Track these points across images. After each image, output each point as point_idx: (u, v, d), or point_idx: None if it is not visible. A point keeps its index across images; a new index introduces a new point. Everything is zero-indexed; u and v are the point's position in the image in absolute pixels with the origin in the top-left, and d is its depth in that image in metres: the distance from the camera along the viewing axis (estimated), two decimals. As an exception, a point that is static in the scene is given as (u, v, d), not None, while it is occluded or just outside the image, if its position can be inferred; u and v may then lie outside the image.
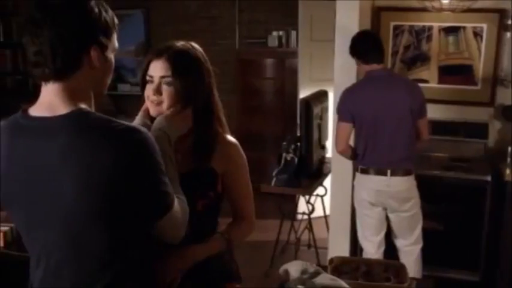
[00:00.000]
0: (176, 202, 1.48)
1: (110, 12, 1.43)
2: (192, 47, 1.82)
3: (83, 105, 1.37)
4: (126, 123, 1.36)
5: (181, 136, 1.79)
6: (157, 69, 1.74)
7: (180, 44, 1.80)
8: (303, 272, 2.12)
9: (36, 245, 1.43)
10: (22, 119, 1.39)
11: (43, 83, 1.38)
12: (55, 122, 1.33)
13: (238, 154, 1.87)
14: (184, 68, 1.74)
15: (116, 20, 1.45)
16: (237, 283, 1.92)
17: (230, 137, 1.87)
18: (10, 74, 6.39)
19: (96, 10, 1.37)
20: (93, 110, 1.41)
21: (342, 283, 2.05)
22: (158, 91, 1.74)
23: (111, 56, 1.45)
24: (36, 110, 1.38)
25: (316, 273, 2.11)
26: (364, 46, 3.26)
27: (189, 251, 1.74)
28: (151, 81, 1.76)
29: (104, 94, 1.50)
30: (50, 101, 1.36)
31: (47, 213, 1.35)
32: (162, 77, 1.73)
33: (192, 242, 1.74)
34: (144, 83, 1.79)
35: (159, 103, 1.75)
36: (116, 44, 1.46)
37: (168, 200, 1.43)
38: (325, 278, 2.08)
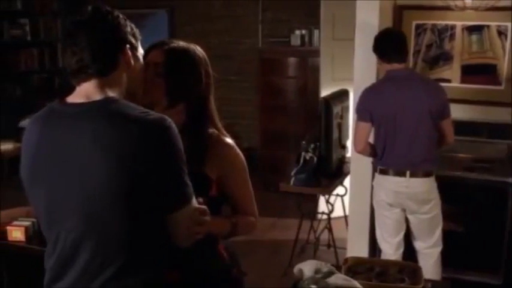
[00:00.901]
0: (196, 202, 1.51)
1: (133, 24, 1.59)
2: (195, 47, 1.83)
3: (114, 95, 1.50)
4: (154, 112, 1.47)
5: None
6: (153, 55, 1.75)
7: (184, 43, 1.82)
8: (317, 271, 2.12)
9: (55, 229, 1.48)
10: (58, 105, 1.50)
11: (82, 83, 1.51)
12: (89, 106, 1.45)
13: (234, 155, 1.84)
14: (176, 63, 1.75)
15: (138, 32, 1.61)
16: (236, 287, 1.91)
17: (225, 138, 1.84)
18: (37, 72, 6.51)
19: (122, 17, 1.55)
20: None
21: (355, 283, 2.04)
22: (150, 79, 1.71)
23: (140, 58, 1.61)
24: (73, 99, 1.50)
25: (329, 273, 2.10)
26: (386, 45, 3.23)
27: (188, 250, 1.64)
28: (147, 68, 1.72)
29: (140, 91, 1.63)
30: (86, 92, 1.48)
31: (71, 192, 1.42)
32: (156, 63, 1.73)
33: (185, 249, 1.62)
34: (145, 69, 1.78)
35: (148, 91, 1.70)
36: (141, 50, 1.62)
37: (188, 191, 1.49)
38: (338, 278, 2.08)
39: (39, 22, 6.45)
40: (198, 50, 1.83)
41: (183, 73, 1.75)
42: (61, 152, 1.43)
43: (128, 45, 1.52)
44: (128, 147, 1.38)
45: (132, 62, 1.53)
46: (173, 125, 1.45)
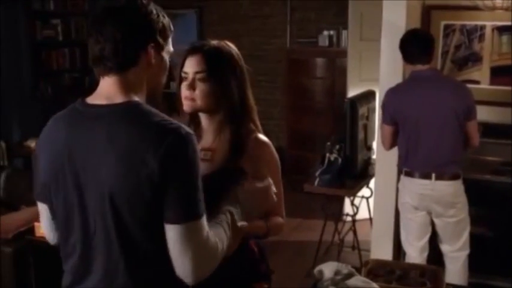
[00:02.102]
0: (210, 232, 1.45)
1: (167, 18, 1.55)
2: (227, 45, 1.84)
3: (136, 98, 1.47)
4: (175, 121, 1.42)
5: (214, 133, 1.82)
6: (191, 65, 1.78)
7: (215, 42, 1.83)
8: (337, 273, 2.11)
9: (74, 230, 1.48)
10: (80, 106, 1.51)
11: (102, 77, 1.50)
12: (109, 109, 1.44)
13: (270, 154, 1.86)
14: (218, 64, 1.77)
15: (171, 26, 1.57)
16: (265, 283, 1.92)
17: (262, 137, 1.87)
18: (68, 72, 6.62)
19: (155, 12, 1.49)
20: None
21: (374, 286, 2.02)
22: (192, 86, 1.77)
23: (167, 57, 1.56)
24: (94, 99, 1.50)
25: (349, 275, 2.10)
26: (409, 46, 3.19)
27: None
28: (186, 78, 1.79)
29: (160, 92, 1.60)
30: (107, 92, 1.48)
31: (88, 193, 1.43)
32: (196, 72, 1.77)
33: None
34: (180, 81, 1.82)
35: (193, 99, 1.78)
36: (171, 47, 1.58)
37: (197, 207, 1.42)
38: (358, 280, 2.07)
39: (71, 22, 6.56)
40: (231, 45, 1.85)
41: (225, 74, 1.77)
42: (79, 153, 1.44)
43: (152, 44, 1.48)
44: (141, 153, 1.36)
45: (154, 61, 1.49)
46: (192, 137, 1.42)
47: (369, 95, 4.18)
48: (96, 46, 1.45)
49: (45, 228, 1.69)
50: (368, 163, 4.11)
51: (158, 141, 1.37)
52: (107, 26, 1.43)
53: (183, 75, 1.80)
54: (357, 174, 3.87)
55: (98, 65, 1.47)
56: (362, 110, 3.86)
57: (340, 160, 3.77)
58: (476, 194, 3.34)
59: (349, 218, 4.22)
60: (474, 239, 3.33)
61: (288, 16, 6.39)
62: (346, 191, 3.89)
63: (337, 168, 3.75)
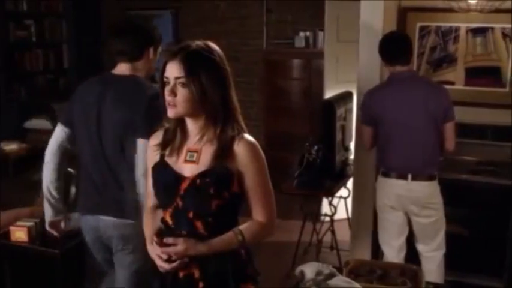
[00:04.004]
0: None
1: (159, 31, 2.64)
2: (207, 46, 1.82)
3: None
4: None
5: (199, 135, 1.82)
6: (171, 70, 1.76)
7: (195, 44, 1.80)
8: (318, 273, 2.12)
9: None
10: (108, 74, 2.58)
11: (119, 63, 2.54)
12: (124, 78, 2.50)
13: (256, 154, 1.85)
14: (197, 68, 1.75)
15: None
16: (252, 285, 1.92)
17: (248, 137, 1.86)
18: (42, 73, 6.52)
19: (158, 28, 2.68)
20: None
21: (356, 286, 2.04)
22: (173, 92, 1.76)
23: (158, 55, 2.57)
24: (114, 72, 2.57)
25: (330, 275, 2.11)
26: (389, 47, 3.22)
27: (201, 241, 1.79)
28: (168, 83, 1.77)
29: (152, 75, 2.62)
30: (122, 71, 2.52)
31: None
32: (177, 78, 1.75)
33: (206, 237, 1.80)
34: (162, 85, 1.81)
35: (175, 105, 1.77)
36: (161, 49, 2.61)
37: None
38: (339, 280, 2.08)
39: (45, 23, 6.47)
40: (212, 47, 1.83)
41: (205, 77, 1.75)
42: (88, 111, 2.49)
43: (153, 46, 2.54)
44: (128, 106, 2.41)
45: (153, 56, 2.55)
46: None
47: (346, 96, 4.21)
48: (117, 45, 2.51)
49: None
50: (345, 163, 4.13)
51: (136, 101, 2.40)
52: (125, 37, 2.53)
53: (164, 79, 1.79)
54: (335, 174, 3.89)
55: (116, 56, 2.52)
56: (340, 111, 3.88)
57: (318, 161, 3.78)
58: (452, 193, 3.38)
59: (327, 219, 4.23)
60: (450, 238, 3.37)
61: (264, 17, 6.40)
62: (325, 191, 3.90)
63: (315, 169, 3.76)
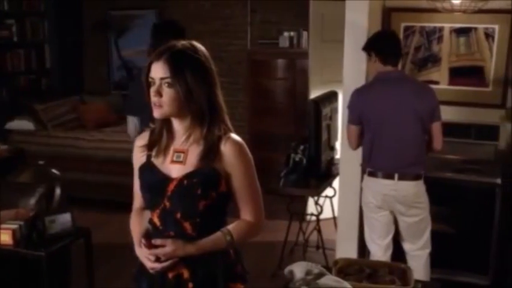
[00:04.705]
0: None
1: None
2: (192, 46, 1.81)
3: None
4: None
5: (185, 135, 1.81)
6: (157, 71, 1.75)
7: (180, 44, 1.79)
8: (308, 273, 2.12)
9: None
10: None
11: None
12: None
13: (243, 153, 1.85)
14: (182, 68, 1.74)
15: None
16: (241, 284, 1.91)
17: (235, 136, 1.86)
18: (23, 74, 6.44)
19: None
20: None
21: (346, 285, 2.04)
22: (159, 93, 1.75)
23: None
24: None
25: (320, 275, 2.11)
26: (385, 46, 3.21)
27: (189, 242, 1.79)
28: (153, 83, 1.76)
29: None
30: None
31: None
32: (162, 78, 1.74)
33: (195, 237, 1.80)
34: (148, 86, 1.80)
35: (160, 105, 1.76)
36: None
37: None
38: (329, 279, 2.08)
39: (26, 23, 6.38)
40: (197, 47, 1.82)
41: (190, 77, 1.74)
42: None
43: None
44: None
45: None
46: None
47: (331, 96, 4.23)
48: None
49: None
50: (331, 163, 4.15)
51: None
52: None
53: (150, 80, 1.78)
54: (321, 174, 3.91)
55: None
56: (325, 111, 3.89)
57: (304, 160, 3.80)
58: (437, 192, 3.41)
59: (313, 218, 4.24)
60: (436, 237, 3.40)
61: (249, 17, 6.40)
62: (312, 191, 3.92)
63: (302, 169, 3.77)
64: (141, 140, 1.93)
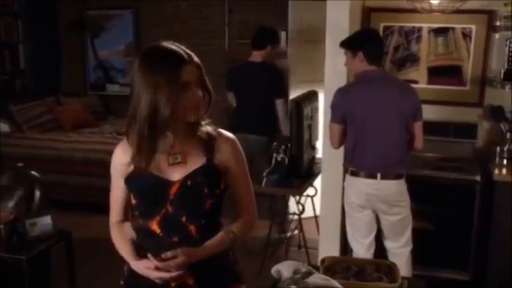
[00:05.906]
0: None
1: None
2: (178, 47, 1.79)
3: None
4: None
5: (181, 136, 1.77)
6: (190, 75, 1.70)
7: (166, 43, 1.76)
8: (295, 272, 2.12)
9: None
10: None
11: None
12: None
13: (237, 148, 1.85)
14: (202, 69, 1.77)
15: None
16: (241, 284, 1.93)
17: (226, 132, 1.85)
18: (-3, 74, 6.32)
19: None
20: None
21: (335, 283, 2.05)
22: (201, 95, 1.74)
23: None
24: None
25: (308, 273, 2.11)
26: (373, 46, 3.22)
27: (197, 247, 1.75)
28: (190, 87, 1.70)
29: None
30: None
31: None
32: (196, 81, 1.72)
33: (199, 240, 1.75)
34: (179, 90, 1.68)
35: (201, 106, 1.76)
36: None
37: None
38: (317, 278, 2.08)
39: (0, 23, 6.27)
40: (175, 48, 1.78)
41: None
42: None
43: None
44: None
45: None
46: None
47: (312, 96, 4.24)
48: None
49: None
50: (313, 162, 4.17)
51: None
52: None
53: (184, 83, 1.71)
54: (303, 173, 3.92)
55: None
56: (306, 110, 3.90)
57: (286, 160, 3.80)
58: (417, 190, 3.44)
59: (295, 217, 4.25)
60: (416, 233, 3.43)
61: (226, 18, 6.38)
62: (294, 190, 3.93)
63: (284, 168, 3.78)
64: (122, 149, 1.81)
